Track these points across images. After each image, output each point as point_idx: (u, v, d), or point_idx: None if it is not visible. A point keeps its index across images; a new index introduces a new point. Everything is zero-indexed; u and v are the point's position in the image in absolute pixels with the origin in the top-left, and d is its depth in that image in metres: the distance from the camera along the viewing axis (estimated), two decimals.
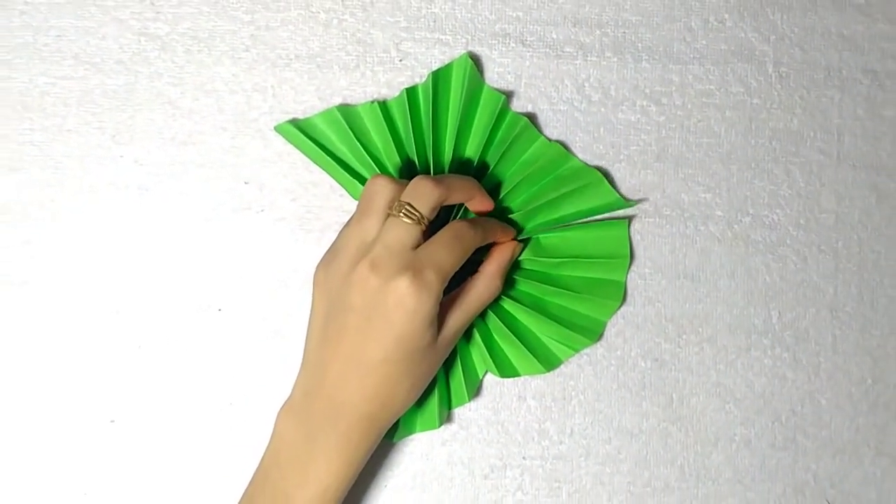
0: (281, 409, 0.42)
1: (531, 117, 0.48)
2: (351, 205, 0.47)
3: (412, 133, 0.46)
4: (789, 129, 0.49)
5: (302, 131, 0.46)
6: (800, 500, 0.48)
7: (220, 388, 0.46)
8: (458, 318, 0.42)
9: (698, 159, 0.49)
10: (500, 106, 0.46)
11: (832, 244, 0.49)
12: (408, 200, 0.40)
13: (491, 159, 0.47)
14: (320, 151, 0.46)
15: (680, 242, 0.48)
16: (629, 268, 0.48)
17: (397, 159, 0.46)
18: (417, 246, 0.40)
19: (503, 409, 0.47)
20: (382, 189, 0.41)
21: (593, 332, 0.47)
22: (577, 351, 0.47)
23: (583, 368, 0.48)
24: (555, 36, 0.49)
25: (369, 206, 0.41)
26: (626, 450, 0.47)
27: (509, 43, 0.48)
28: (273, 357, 0.47)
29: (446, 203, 0.41)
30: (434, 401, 0.46)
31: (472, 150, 0.47)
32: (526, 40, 0.49)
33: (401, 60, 0.48)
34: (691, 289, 0.48)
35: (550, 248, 0.47)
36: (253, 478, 0.42)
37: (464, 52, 0.48)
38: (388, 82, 0.48)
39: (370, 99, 0.48)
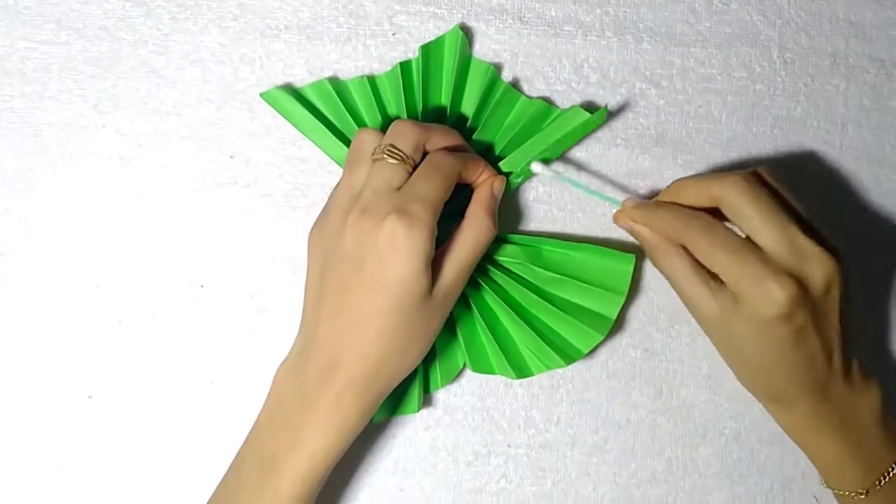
0: (279, 368, 0.41)
1: (517, 85, 0.47)
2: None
3: (405, 107, 0.45)
4: (792, 117, 0.48)
5: (289, 96, 0.45)
6: (787, 496, 0.47)
7: (202, 365, 0.46)
8: (451, 266, 0.40)
9: (697, 145, 0.48)
10: (488, 76, 0.45)
11: None
12: (389, 142, 0.40)
13: (480, 127, 0.46)
14: (310, 116, 0.45)
15: None
16: (622, 305, 0.45)
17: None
18: None
19: (489, 396, 0.47)
20: (368, 138, 0.41)
21: (569, 357, 0.45)
22: (549, 369, 0.45)
23: None
24: (554, 13, 0.47)
25: (356, 157, 0.41)
26: (613, 440, 0.47)
27: (506, 19, 0.47)
28: (256, 335, 0.46)
29: (427, 146, 0.41)
30: (415, 384, 0.45)
31: (464, 122, 0.46)
32: (524, 17, 0.47)
33: (394, 34, 0.47)
34: None
35: (550, 263, 0.45)
36: (247, 436, 0.41)
37: (455, 24, 0.46)
38: (381, 56, 0.47)
39: (361, 73, 0.46)
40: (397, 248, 0.38)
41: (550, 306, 0.44)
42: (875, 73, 0.49)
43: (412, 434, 0.46)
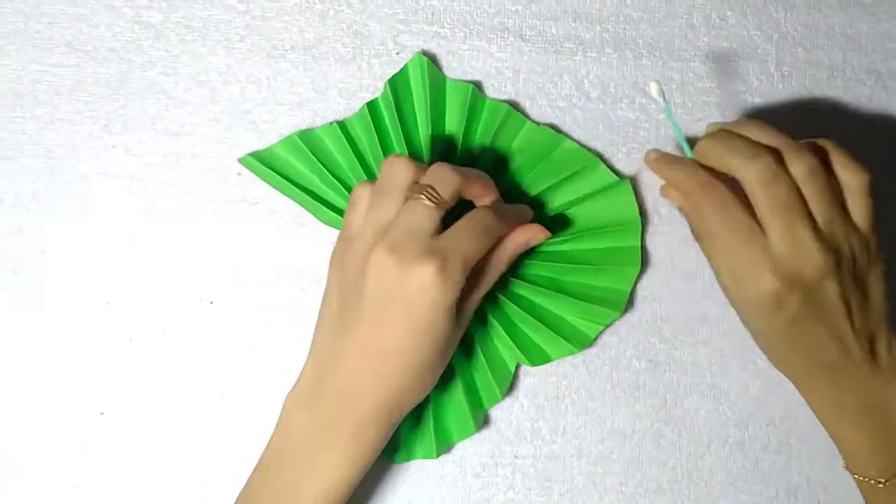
0: (289, 395, 0.41)
1: (516, 105, 0.47)
2: None
3: (380, 147, 0.45)
4: (790, 130, 0.48)
5: (264, 163, 0.45)
6: None
7: (212, 381, 0.46)
8: (471, 303, 0.41)
9: None
10: (468, 96, 0.45)
11: None
12: (429, 183, 0.39)
13: (476, 152, 0.46)
14: (284, 181, 0.45)
15: (677, 242, 0.48)
16: (643, 230, 0.47)
17: (364, 177, 0.45)
18: (437, 233, 0.39)
19: (495, 407, 0.47)
20: (402, 169, 0.40)
21: (618, 304, 0.46)
22: (606, 325, 0.46)
23: (576, 368, 0.47)
24: (554, 31, 0.48)
25: (388, 186, 0.40)
26: (619, 450, 0.47)
27: (508, 37, 0.48)
28: (265, 351, 0.46)
29: (464, 195, 0.40)
30: (465, 406, 0.45)
31: (450, 152, 0.46)
32: (525, 35, 0.48)
33: (398, 53, 0.47)
34: (687, 289, 0.48)
35: (561, 228, 0.46)
36: (258, 467, 0.41)
37: (416, 52, 0.47)
38: (385, 75, 0.47)
39: (366, 91, 0.47)
40: (428, 299, 0.38)
41: (579, 266, 0.46)
42: (872, 84, 0.49)
43: None
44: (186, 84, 0.47)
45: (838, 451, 0.44)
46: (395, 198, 0.39)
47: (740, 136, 0.41)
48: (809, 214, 0.40)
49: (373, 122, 0.45)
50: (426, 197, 0.38)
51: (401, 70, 0.46)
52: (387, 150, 0.45)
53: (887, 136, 0.49)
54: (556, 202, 0.46)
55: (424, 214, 0.38)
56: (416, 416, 0.45)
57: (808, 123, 0.49)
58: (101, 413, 0.45)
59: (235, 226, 0.46)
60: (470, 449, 0.47)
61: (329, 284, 0.41)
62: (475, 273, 0.41)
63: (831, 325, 0.40)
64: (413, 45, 0.47)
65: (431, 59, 0.46)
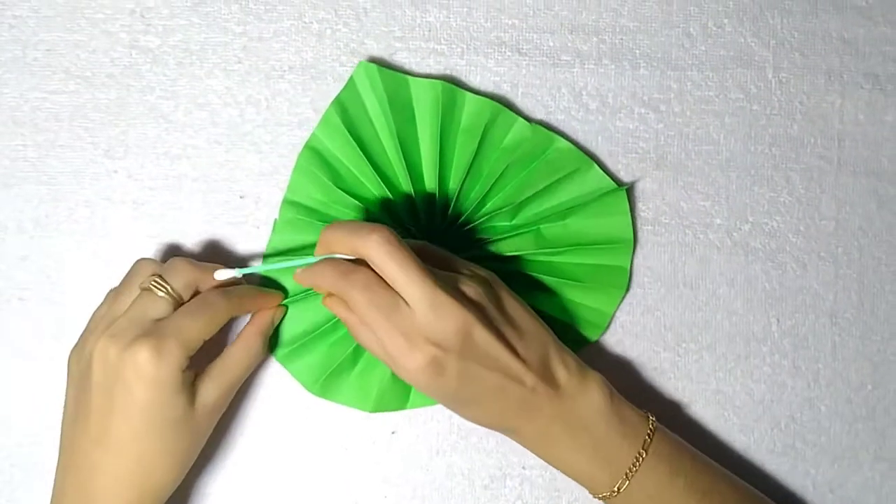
0: None
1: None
2: None
3: (336, 177, 0.45)
4: (789, 135, 0.49)
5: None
6: None
7: None
8: (217, 385, 0.41)
9: (697, 167, 0.48)
10: (440, 92, 0.45)
11: (832, 251, 0.48)
12: (160, 274, 0.40)
13: (461, 151, 0.45)
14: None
15: (679, 251, 0.48)
16: (634, 252, 0.47)
17: (347, 201, 0.45)
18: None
19: None
20: (141, 268, 0.41)
21: (599, 325, 0.46)
22: (585, 345, 0.46)
23: None
24: (551, 44, 0.48)
25: (125, 283, 0.41)
26: None
27: (505, 51, 0.48)
28: (269, 373, 0.46)
29: (201, 287, 0.41)
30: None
31: (427, 152, 0.45)
32: (522, 48, 0.48)
33: None
34: (690, 297, 0.48)
35: (552, 239, 0.46)
36: None
37: (361, 61, 0.46)
38: None
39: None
40: (145, 379, 0.38)
41: (565, 281, 0.45)
42: (870, 88, 0.49)
43: (427, 460, 0.47)
44: (186, 107, 0.47)
45: (575, 481, 0.42)
46: (128, 292, 0.41)
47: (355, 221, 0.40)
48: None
49: (320, 161, 0.45)
50: (155, 287, 0.40)
51: (346, 85, 0.45)
52: (343, 178, 0.45)
53: (886, 140, 0.49)
54: (549, 204, 0.46)
55: (149, 302, 0.40)
56: None
57: (807, 130, 0.49)
58: None
59: (239, 248, 0.47)
60: (478, 461, 0.47)
61: (67, 386, 0.41)
62: (224, 360, 0.41)
63: (499, 367, 0.39)
64: (410, 62, 0.47)
65: (383, 64, 0.46)
